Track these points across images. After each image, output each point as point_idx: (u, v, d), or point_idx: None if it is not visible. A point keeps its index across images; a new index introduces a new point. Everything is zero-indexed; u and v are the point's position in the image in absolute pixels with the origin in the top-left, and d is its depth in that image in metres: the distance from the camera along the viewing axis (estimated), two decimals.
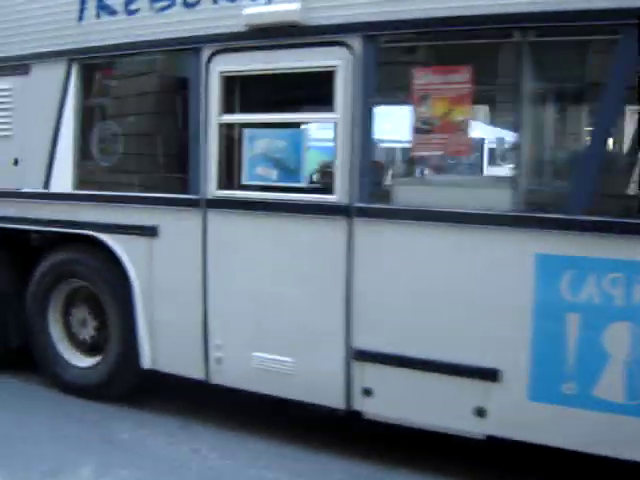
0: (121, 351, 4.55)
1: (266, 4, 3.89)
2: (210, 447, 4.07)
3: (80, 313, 4.85)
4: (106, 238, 4.48)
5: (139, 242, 4.37)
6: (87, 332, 4.82)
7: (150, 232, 4.32)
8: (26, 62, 4.81)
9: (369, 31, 3.66)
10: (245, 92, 4.09)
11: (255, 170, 4.01)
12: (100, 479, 3.68)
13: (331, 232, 3.80)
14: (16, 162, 4.90)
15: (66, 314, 4.92)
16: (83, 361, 4.83)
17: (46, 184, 4.75)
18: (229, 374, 4.19)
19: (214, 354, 4.20)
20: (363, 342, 3.79)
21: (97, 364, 4.71)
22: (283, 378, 4.01)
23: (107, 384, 4.63)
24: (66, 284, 4.84)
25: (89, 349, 4.86)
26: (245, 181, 4.05)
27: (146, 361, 4.44)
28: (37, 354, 4.96)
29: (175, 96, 4.50)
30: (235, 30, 3.98)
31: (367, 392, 3.82)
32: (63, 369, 4.83)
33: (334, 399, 3.90)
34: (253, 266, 4.03)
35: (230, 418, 4.43)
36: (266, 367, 4.05)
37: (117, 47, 4.40)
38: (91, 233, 4.54)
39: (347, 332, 3.81)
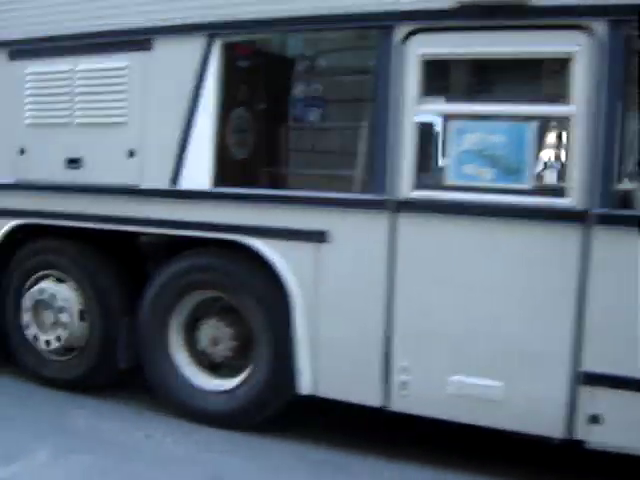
0: (270, 374, 3.95)
1: None
2: (164, 433, 4.06)
3: (210, 329, 4.21)
4: (257, 243, 3.87)
5: (302, 249, 3.79)
6: (220, 351, 4.18)
7: (318, 238, 3.74)
8: (148, 36, 4.13)
9: (616, 15, 3.22)
10: (448, 79, 3.59)
11: (463, 168, 3.51)
12: (55, 464, 3.67)
13: (561, 241, 3.35)
14: (131, 154, 4.20)
15: (191, 331, 4.28)
16: (213, 384, 4.20)
17: (174, 180, 4.08)
18: (416, 400, 3.67)
19: (398, 377, 3.68)
20: (594, 364, 3.37)
21: (235, 388, 4.09)
22: (486, 405, 3.54)
23: (249, 411, 4.03)
24: (193, 296, 4.19)
25: (214, 370, 4.24)
26: (450, 180, 3.54)
27: (305, 385, 3.87)
28: (153, 377, 4.29)
29: (355, 81, 3.92)
30: (441, 6, 3.45)
31: (594, 419, 3.40)
32: (189, 395, 4.18)
33: (552, 427, 3.45)
34: (455, 278, 3.53)
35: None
36: (465, 393, 3.56)
37: (277, 22, 3.79)
38: (237, 238, 3.91)
39: (574, 354, 3.38)
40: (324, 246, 3.74)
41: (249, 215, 3.89)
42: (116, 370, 4.49)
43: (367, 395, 3.76)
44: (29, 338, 4.68)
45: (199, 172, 4.02)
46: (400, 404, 3.71)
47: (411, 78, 3.53)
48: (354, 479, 3.67)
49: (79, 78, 4.35)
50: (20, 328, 4.73)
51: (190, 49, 4.00)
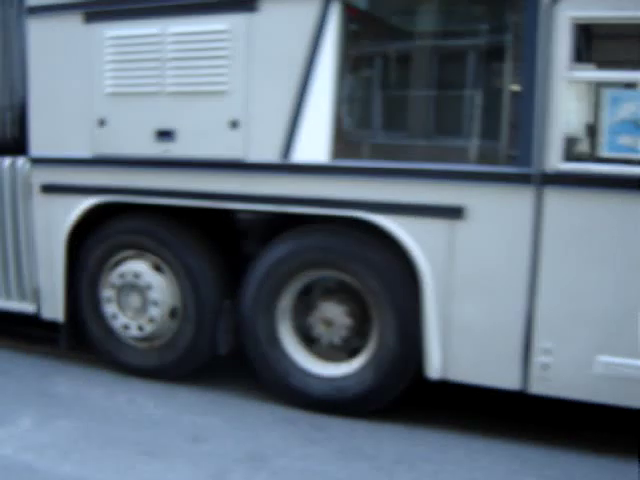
0: (395, 358, 3.74)
1: None
2: (146, 397, 4.16)
3: (324, 311, 3.96)
4: (383, 220, 3.62)
5: (435, 226, 3.56)
6: (334, 334, 3.96)
7: (453, 214, 3.51)
8: None
9: None
10: (604, 44, 3.35)
11: (619, 139, 3.30)
12: (39, 429, 3.73)
13: None
14: (234, 125, 3.89)
15: (298, 313, 4.04)
16: (327, 369, 3.98)
17: (286, 153, 3.79)
18: (558, 382, 3.50)
19: (539, 359, 3.50)
20: None
21: (353, 373, 3.88)
22: (636, 385, 3.41)
23: (371, 396, 3.83)
24: (303, 277, 3.94)
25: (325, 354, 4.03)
26: (604, 152, 3.33)
27: (435, 369, 3.67)
28: (259, 363, 4.05)
29: (495, 44, 3.65)
30: None
31: None
32: (300, 380, 3.95)
33: None
34: (607, 257, 3.34)
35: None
36: (614, 373, 3.42)
37: None
38: (361, 214, 3.66)
39: None
40: (459, 223, 3.52)
41: (374, 190, 3.63)
42: (209, 357, 4.24)
43: (504, 378, 3.58)
44: (107, 318, 4.42)
45: (315, 144, 3.73)
46: (540, 387, 3.55)
47: (561, 41, 3.29)
48: (328, 434, 3.68)
49: (171, 42, 3.99)
50: (97, 306, 4.47)
51: (304, 10, 3.68)
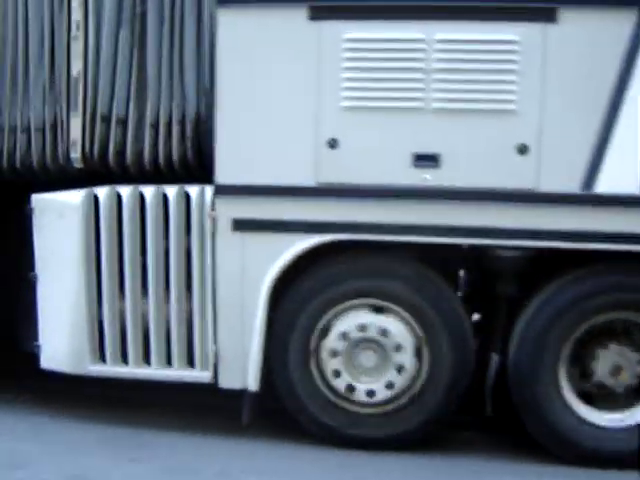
0: None
1: None
2: None
3: (612, 356, 3.55)
4: None
5: None
6: (623, 381, 3.56)
7: None
8: (553, 5, 3.29)
9: None
10: None
11: None
12: None
13: None
14: (523, 150, 3.35)
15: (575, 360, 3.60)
16: (609, 419, 3.57)
17: (588, 183, 3.35)
18: None
19: None
20: None
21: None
22: None
23: None
24: (591, 321, 3.51)
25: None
26: None
27: None
28: (535, 420, 3.53)
29: None
30: None
31: None
32: (585, 435, 3.52)
33: None
34: None
35: None
36: None
37: None
38: None
39: None
40: None
41: None
42: (472, 417, 3.65)
43: None
44: (337, 389, 3.61)
45: (624, 172, 3.35)
46: None
47: None
48: (152, 452, 3.62)
49: (438, 51, 3.35)
50: (310, 378, 3.64)
51: (616, 22, 3.28)
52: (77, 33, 3.66)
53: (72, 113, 3.69)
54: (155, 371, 3.74)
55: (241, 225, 3.54)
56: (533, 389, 3.52)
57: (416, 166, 3.42)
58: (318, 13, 3.40)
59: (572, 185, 3.37)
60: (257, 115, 3.49)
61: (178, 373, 3.73)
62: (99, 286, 3.73)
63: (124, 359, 3.76)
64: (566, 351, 3.53)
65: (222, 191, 3.54)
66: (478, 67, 3.36)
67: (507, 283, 3.61)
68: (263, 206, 3.53)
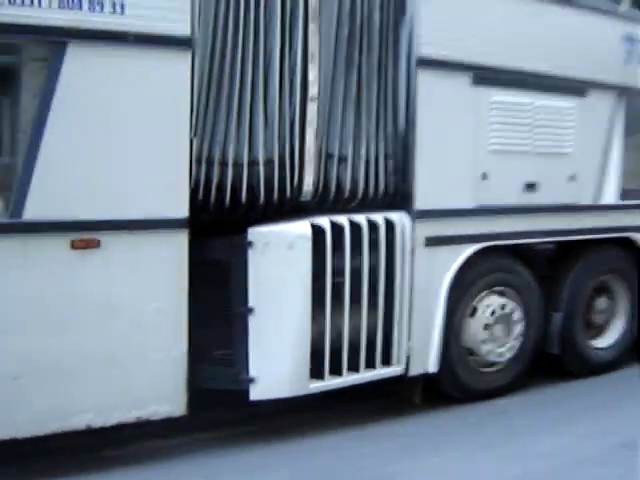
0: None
1: None
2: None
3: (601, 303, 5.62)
4: None
5: None
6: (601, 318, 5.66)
7: None
8: (583, 85, 5.13)
9: None
10: None
11: None
12: None
13: None
14: (572, 178, 5.13)
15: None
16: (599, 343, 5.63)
17: (596, 197, 5.33)
18: None
19: None
20: None
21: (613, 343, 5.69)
22: None
23: (621, 355, 5.73)
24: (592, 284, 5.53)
25: None
26: None
27: None
28: (574, 353, 5.39)
29: None
30: None
31: None
32: (592, 355, 5.54)
33: None
34: None
35: None
36: None
37: None
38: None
39: None
40: None
41: None
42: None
43: None
44: (483, 354, 4.83)
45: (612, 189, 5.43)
46: None
47: None
48: None
49: (538, 112, 4.88)
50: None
51: (605, 100, 5.32)
52: (312, 66, 3.98)
53: (307, 150, 4.00)
54: (363, 375, 4.34)
55: (431, 241, 4.47)
56: (572, 332, 5.39)
57: (525, 191, 4.93)
58: (477, 80, 4.59)
59: (591, 199, 5.34)
60: (440, 157, 4.48)
61: (378, 372, 4.41)
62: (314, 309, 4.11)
63: (334, 372, 4.23)
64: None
65: (420, 215, 4.41)
66: (556, 124, 5.05)
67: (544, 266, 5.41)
68: (443, 225, 4.53)
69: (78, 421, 3.45)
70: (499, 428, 4.48)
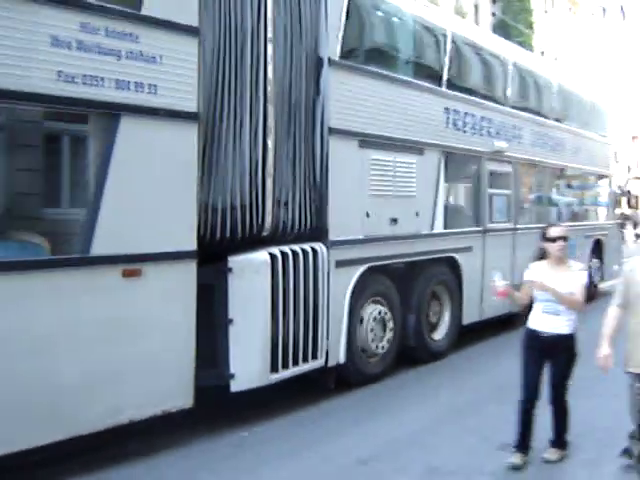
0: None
1: None
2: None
3: (435, 305, 7.49)
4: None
5: None
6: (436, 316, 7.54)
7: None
8: (419, 146, 7.04)
9: None
10: None
11: None
12: None
13: None
14: (417, 214, 6.98)
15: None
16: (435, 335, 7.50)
17: (431, 227, 7.23)
18: None
19: None
20: None
21: (444, 336, 7.62)
22: None
23: (449, 342, 7.68)
24: (429, 291, 7.37)
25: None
26: None
27: None
28: (409, 338, 7.18)
29: None
30: None
31: None
32: (430, 344, 7.39)
33: None
34: None
35: None
36: None
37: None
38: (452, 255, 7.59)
39: None
40: None
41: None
42: (402, 347, 6.95)
43: None
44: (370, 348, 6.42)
45: (440, 221, 7.39)
46: None
47: None
48: None
49: (396, 166, 6.64)
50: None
51: (433, 157, 7.29)
52: (270, 136, 5.25)
53: (267, 197, 5.23)
54: (302, 367, 5.63)
55: (339, 264, 5.94)
56: (421, 328, 7.20)
57: (390, 224, 6.64)
58: (361, 144, 6.20)
59: (428, 229, 7.25)
60: (345, 201, 5.98)
61: (311, 364, 5.72)
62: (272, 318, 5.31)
63: (284, 366, 5.45)
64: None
65: (332, 245, 5.86)
66: (403, 175, 6.87)
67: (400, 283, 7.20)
68: (345, 251, 6.02)
69: (123, 417, 4.26)
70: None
